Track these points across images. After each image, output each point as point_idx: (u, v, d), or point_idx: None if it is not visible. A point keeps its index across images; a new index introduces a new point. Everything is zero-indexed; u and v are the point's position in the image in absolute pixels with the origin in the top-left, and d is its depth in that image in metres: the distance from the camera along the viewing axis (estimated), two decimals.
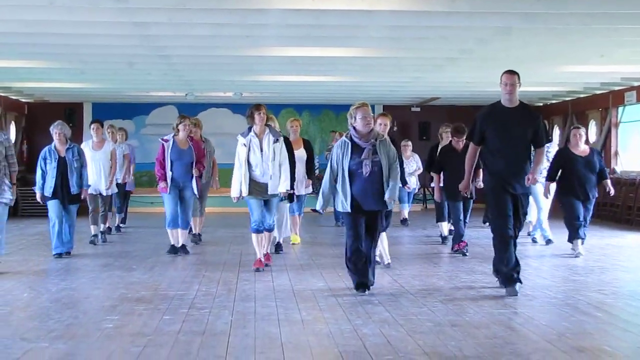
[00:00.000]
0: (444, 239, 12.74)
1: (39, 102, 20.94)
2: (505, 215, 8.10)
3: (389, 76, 15.68)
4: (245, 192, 9.54)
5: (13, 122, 20.38)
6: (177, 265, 10.41)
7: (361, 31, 11.01)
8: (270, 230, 9.93)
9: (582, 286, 8.77)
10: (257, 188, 9.60)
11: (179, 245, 11.33)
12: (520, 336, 6.40)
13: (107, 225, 13.48)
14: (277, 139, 9.70)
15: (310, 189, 12.25)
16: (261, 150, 9.60)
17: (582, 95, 19.27)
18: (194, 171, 11.27)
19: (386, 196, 8.02)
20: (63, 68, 14.68)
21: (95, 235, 12.60)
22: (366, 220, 8.09)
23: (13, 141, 19.96)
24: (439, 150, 12.01)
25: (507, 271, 8.15)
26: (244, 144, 9.60)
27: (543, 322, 6.85)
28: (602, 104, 18.61)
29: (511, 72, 8.21)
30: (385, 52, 12.95)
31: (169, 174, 11.15)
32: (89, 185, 11.71)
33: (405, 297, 8.00)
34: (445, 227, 12.71)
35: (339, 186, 8.06)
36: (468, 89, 18.14)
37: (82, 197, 11.43)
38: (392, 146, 8.20)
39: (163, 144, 11.31)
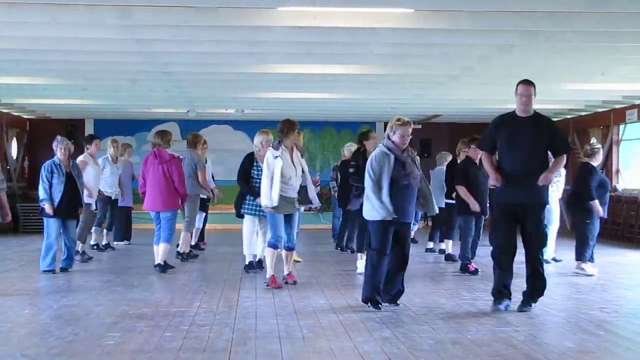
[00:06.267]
0: (448, 257, 12.52)
1: (41, 118, 20.98)
2: (506, 231, 8.05)
3: (391, 93, 15.71)
4: (276, 202, 9.48)
5: (15, 138, 20.42)
6: (178, 282, 10.38)
7: (363, 48, 11.04)
8: (292, 249, 9.94)
9: (584, 304, 8.76)
10: (285, 203, 9.63)
11: (160, 261, 11.15)
12: (522, 354, 6.36)
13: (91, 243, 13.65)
14: (302, 154, 10.10)
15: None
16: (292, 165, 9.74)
17: (583, 113, 19.29)
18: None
19: (432, 209, 8.44)
20: (65, 84, 14.73)
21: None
22: (399, 233, 8.15)
23: (14, 157, 20.01)
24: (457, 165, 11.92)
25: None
26: (279, 157, 9.56)
27: (545, 340, 6.82)
28: (603, 122, 18.62)
29: (527, 83, 8.09)
30: (387, 70, 12.98)
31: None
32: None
33: (407, 315, 7.97)
34: (451, 245, 12.57)
35: (381, 195, 7.99)
36: (469, 106, 18.17)
37: (80, 213, 11.40)
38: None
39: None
